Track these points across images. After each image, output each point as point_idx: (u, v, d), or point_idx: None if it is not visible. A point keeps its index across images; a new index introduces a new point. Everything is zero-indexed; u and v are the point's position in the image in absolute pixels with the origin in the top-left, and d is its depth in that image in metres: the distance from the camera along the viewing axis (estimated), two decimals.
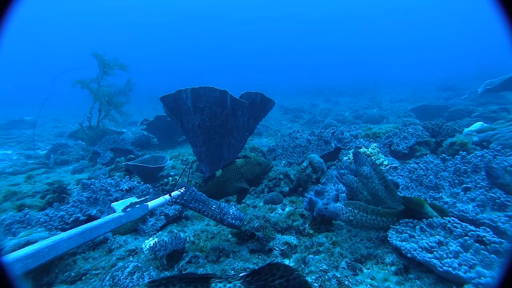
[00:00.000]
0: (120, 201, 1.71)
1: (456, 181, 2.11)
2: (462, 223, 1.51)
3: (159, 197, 1.87)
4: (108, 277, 1.49)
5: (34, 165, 5.07)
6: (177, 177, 3.28)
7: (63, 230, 2.06)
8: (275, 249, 1.75)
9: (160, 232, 2.22)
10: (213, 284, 0.72)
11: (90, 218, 2.22)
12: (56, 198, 2.99)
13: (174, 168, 4.01)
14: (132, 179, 2.88)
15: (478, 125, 4.00)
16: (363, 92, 16.55)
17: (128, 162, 3.42)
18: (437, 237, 1.48)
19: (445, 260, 1.31)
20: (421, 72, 27.97)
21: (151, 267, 1.59)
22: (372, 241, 1.77)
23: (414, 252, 1.42)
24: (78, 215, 2.23)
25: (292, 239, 1.82)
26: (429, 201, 1.98)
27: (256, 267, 1.58)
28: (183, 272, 1.60)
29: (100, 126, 6.14)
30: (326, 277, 1.38)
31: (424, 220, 1.62)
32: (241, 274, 0.76)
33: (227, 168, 2.61)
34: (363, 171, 1.84)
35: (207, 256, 1.72)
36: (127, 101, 6.23)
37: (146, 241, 2.01)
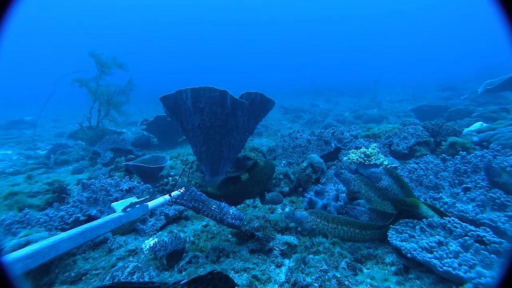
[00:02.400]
0: (120, 201, 1.70)
1: (456, 181, 2.11)
2: (462, 223, 1.51)
3: (158, 197, 1.87)
4: (108, 277, 1.49)
5: (34, 165, 5.06)
6: (177, 177, 3.28)
7: (63, 230, 2.06)
8: (275, 249, 1.75)
9: (160, 232, 2.22)
10: None
11: (90, 218, 2.22)
12: (56, 198, 2.99)
13: (174, 168, 4.01)
14: (132, 179, 2.88)
15: (478, 125, 4.01)
16: (363, 92, 16.54)
17: (128, 162, 3.42)
18: (437, 237, 1.48)
19: (445, 260, 1.31)
20: (421, 72, 27.95)
21: (151, 267, 1.59)
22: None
23: (414, 252, 1.42)
24: (78, 215, 2.23)
25: (292, 239, 1.82)
26: (429, 201, 1.99)
27: (256, 267, 1.58)
28: (183, 273, 1.60)
29: (100, 126, 6.14)
30: (326, 277, 1.38)
31: (424, 220, 1.62)
32: (182, 282, 0.75)
33: (253, 171, 2.66)
34: (382, 185, 1.82)
35: (207, 256, 1.72)
36: (127, 100, 6.21)
37: (146, 241, 2.01)
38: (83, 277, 1.65)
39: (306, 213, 1.81)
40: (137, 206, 1.67)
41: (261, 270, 1.56)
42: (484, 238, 1.37)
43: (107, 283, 1.45)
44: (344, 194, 2.29)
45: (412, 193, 1.82)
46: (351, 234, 1.73)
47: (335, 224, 1.74)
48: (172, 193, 1.77)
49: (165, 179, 3.14)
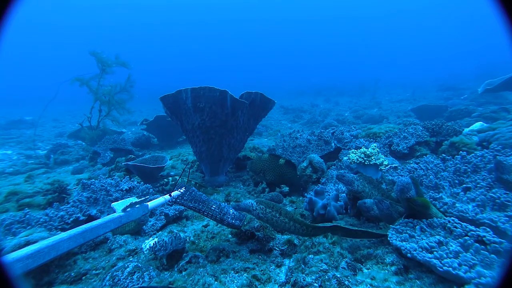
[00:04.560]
0: (120, 201, 1.70)
1: (456, 181, 2.11)
2: (462, 223, 1.51)
3: (158, 197, 1.87)
4: (108, 277, 1.49)
5: (34, 165, 5.07)
6: (177, 177, 3.28)
7: (63, 230, 2.06)
8: (275, 249, 1.75)
9: (160, 232, 2.22)
10: None
11: (90, 218, 2.22)
12: (56, 198, 2.99)
13: (174, 168, 4.01)
14: (132, 179, 2.88)
15: (478, 125, 4.00)
16: (363, 92, 16.55)
17: (128, 162, 3.42)
18: (437, 237, 1.48)
19: (445, 260, 1.31)
20: (421, 72, 27.97)
21: (151, 267, 1.58)
22: (372, 241, 1.77)
23: (414, 252, 1.42)
24: (78, 215, 2.23)
25: (292, 238, 1.82)
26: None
27: (256, 267, 1.58)
28: (183, 273, 1.60)
29: (100, 126, 6.14)
30: (326, 277, 1.38)
31: (424, 220, 1.62)
32: None
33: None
34: (411, 195, 1.80)
35: (207, 256, 1.72)
36: (130, 98, 6.16)
37: (146, 241, 2.01)
38: (83, 277, 1.65)
39: (252, 201, 1.85)
40: (137, 206, 1.67)
41: (261, 270, 1.56)
42: (484, 238, 1.37)
43: (107, 283, 1.45)
44: (344, 194, 2.29)
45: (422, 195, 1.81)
46: (303, 231, 1.76)
47: (288, 219, 1.77)
48: (172, 193, 1.77)
49: (165, 179, 3.14)
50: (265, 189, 2.91)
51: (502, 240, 1.34)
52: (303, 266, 1.53)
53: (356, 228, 1.76)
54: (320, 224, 1.79)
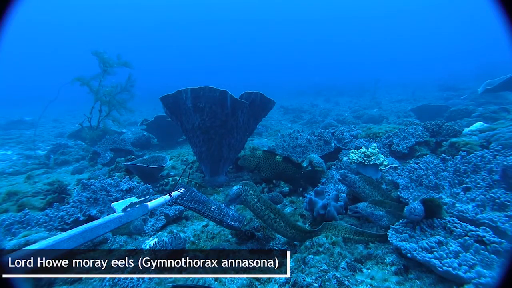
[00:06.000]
0: (120, 201, 1.71)
1: (456, 181, 2.11)
2: (462, 223, 1.51)
3: (158, 197, 1.87)
4: (108, 277, 1.48)
5: (34, 166, 5.07)
6: (177, 177, 3.28)
7: (63, 230, 2.06)
8: (275, 249, 1.74)
9: (160, 232, 2.22)
10: None
11: (90, 218, 2.22)
12: (56, 198, 2.98)
13: (174, 168, 4.01)
14: (132, 180, 2.88)
15: (478, 125, 4.00)
16: (363, 92, 16.53)
17: (128, 163, 3.42)
18: (437, 237, 1.48)
19: (445, 260, 1.31)
20: (421, 72, 27.87)
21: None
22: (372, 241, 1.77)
23: (414, 252, 1.42)
24: (78, 215, 2.22)
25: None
26: None
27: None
28: (183, 273, 1.60)
29: (100, 126, 6.13)
30: (326, 277, 1.38)
31: (424, 220, 1.62)
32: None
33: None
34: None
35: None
36: (131, 97, 6.12)
37: (146, 241, 2.01)
38: (83, 277, 1.65)
39: (238, 186, 1.87)
40: (137, 206, 1.67)
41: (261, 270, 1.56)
42: (484, 238, 1.37)
43: (107, 283, 1.45)
44: (344, 194, 2.29)
45: None
46: (275, 224, 1.75)
47: (265, 207, 1.77)
48: (172, 193, 1.77)
49: (165, 179, 3.14)
50: (264, 189, 2.91)
51: (502, 240, 1.34)
52: (303, 266, 1.53)
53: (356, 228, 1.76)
54: (297, 224, 1.79)
